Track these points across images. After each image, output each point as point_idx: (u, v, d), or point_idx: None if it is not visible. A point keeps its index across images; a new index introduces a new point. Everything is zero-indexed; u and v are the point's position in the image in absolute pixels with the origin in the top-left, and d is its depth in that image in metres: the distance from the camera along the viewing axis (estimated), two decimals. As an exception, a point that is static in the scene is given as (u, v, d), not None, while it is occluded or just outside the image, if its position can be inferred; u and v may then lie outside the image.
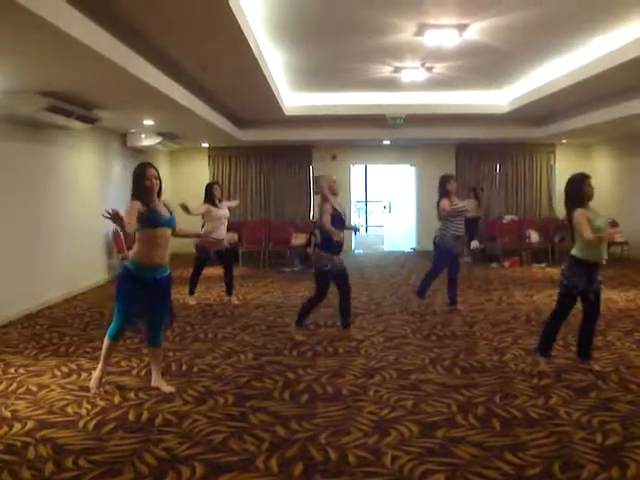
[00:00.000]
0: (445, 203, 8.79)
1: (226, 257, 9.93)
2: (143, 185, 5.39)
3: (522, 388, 5.62)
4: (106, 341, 5.60)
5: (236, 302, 9.96)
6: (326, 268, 7.43)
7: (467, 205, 14.13)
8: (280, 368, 6.34)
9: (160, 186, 5.54)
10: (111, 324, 5.62)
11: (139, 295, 5.44)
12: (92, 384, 5.64)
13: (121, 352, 6.95)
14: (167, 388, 5.63)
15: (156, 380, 5.73)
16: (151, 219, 5.36)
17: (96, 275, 11.79)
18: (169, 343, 7.36)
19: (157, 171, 5.57)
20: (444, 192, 8.91)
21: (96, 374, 5.69)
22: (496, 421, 4.84)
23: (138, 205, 5.30)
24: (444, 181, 8.97)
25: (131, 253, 5.55)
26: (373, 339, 7.51)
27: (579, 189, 5.88)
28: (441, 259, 9.03)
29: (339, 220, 7.42)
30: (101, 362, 5.67)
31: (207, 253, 9.72)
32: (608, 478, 3.86)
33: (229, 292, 10.02)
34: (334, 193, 7.61)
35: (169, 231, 5.55)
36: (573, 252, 5.94)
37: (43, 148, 9.89)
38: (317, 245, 7.68)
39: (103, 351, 5.65)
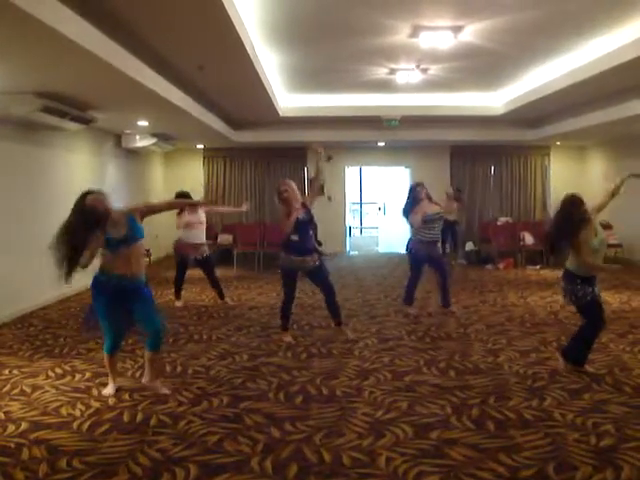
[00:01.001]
0: (416, 218, 8.74)
1: (205, 264, 9.82)
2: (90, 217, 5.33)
3: (516, 390, 5.64)
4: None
5: (231, 303, 9.95)
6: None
7: (446, 207, 14.19)
8: (275, 369, 6.34)
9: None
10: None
11: (111, 304, 5.49)
12: (109, 392, 5.64)
13: (115, 353, 6.95)
14: (163, 390, 5.64)
15: (148, 380, 5.73)
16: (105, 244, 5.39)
17: (91, 277, 11.70)
18: (163, 345, 7.33)
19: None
20: (415, 200, 8.85)
21: (109, 385, 5.71)
22: (490, 423, 4.85)
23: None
24: (412, 191, 8.97)
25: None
26: (367, 341, 7.51)
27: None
28: (415, 264, 9.05)
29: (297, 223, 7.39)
30: (109, 375, 5.75)
31: (184, 257, 9.70)
32: (602, 480, 3.87)
33: (221, 297, 10.00)
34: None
35: (133, 247, 5.45)
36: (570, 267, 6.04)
37: (37, 149, 9.87)
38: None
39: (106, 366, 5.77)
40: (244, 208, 10.53)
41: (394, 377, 6.07)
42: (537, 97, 11.21)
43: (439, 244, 9.19)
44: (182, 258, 9.73)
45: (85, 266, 5.43)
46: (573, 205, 5.87)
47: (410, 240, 8.98)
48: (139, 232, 5.48)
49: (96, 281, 5.61)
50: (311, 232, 7.51)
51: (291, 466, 4.11)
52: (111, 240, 5.35)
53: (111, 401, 5.41)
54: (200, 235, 9.70)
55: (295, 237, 7.33)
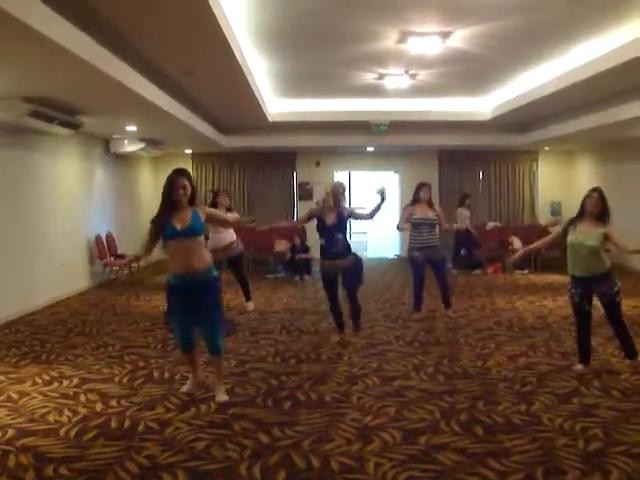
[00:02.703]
0: (403, 216, 8.93)
1: (236, 261, 9.64)
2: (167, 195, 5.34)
3: (505, 394, 5.64)
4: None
5: (250, 309, 9.89)
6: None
7: (460, 216, 14.21)
8: (263, 375, 6.32)
9: (192, 193, 5.39)
10: None
11: (180, 304, 5.41)
12: (188, 389, 5.74)
13: (103, 359, 6.93)
14: (221, 397, 5.55)
15: (215, 388, 5.67)
16: (164, 231, 5.32)
17: (78, 282, 11.71)
18: (151, 350, 7.33)
19: (188, 178, 5.42)
20: (413, 200, 9.00)
21: (188, 383, 5.82)
22: (479, 427, 4.85)
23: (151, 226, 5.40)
24: (417, 189, 9.04)
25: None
26: (356, 345, 7.51)
27: (581, 203, 6.06)
28: (413, 269, 9.06)
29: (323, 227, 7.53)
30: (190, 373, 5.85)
31: (217, 263, 9.54)
32: (590, 484, 3.88)
33: (247, 298, 10.00)
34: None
35: (188, 241, 5.32)
36: None
37: (25, 154, 9.83)
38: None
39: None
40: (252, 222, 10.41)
41: (383, 382, 6.06)
42: (525, 102, 11.26)
43: (438, 248, 9.09)
44: (216, 264, 9.60)
45: (147, 251, 5.55)
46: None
47: (409, 245, 9.02)
48: (200, 226, 5.42)
49: (167, 283, 5.52)
50: (339, 236, 7.49)
51: (279, 472, 4.09)
52: (171, 230, 5.28)
53: (98, 407, 5.38)
54: (230, 234, 9.33)
55: (322, 241, 7.53)
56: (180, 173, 5.39)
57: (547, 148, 16.79)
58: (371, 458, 4.30)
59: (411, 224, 8.83)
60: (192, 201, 5.39)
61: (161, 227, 5.31)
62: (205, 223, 5.53)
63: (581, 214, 6.03)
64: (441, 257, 9.21)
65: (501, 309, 9.78)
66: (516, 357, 6.91)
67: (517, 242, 14.84)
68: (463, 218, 14.37)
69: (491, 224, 16.36)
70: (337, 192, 7.55)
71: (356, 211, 8.02)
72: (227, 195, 9.86)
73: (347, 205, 7.85)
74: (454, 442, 4.57)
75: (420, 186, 9.03)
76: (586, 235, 5.93)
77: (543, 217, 17.03)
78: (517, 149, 16.62)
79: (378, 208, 7.81)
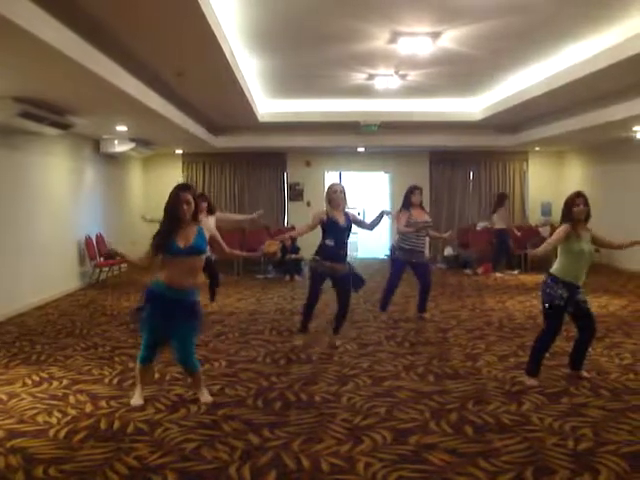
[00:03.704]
0: (401, 219, 8.77)
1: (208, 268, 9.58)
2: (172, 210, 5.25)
3: (495, 394, 5.65)
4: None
5: (210, 309, 9.84)
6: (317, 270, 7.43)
7: (497, 216, 14.24)
8: (253, 376, 6.31)
9: (195, 208, 5.28)
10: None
11: (160, 313, 5.26)
12: (137, 402, 5.48)
13: (92, 360, 6.90)
14: (207, 398, 5.51)
15: (199, 393, 5.59)
16: (166, 247, 5.21)
17: (68, 283, 11.67)
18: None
19: (192, 193, 5.32)
20: (406, 204, 8.88)
21: (136, 395, 5.55)
22: (469, 427, 4.86)
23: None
24: (409, 192, 8.92)
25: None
26: (347, 346, 7.51)
27: (567, 211, 5.88)
28: (391, 269, 9.07)
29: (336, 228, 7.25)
30: (137, 385, 5.64)
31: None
32: (580, 483, 3.89)
33: (212, 298, 9.93)
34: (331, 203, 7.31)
35: (188, 260, 5.21)
36: (552, 269, 5.99)
37: (15, 154, 9.79)
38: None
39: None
40: (255, 216, 10.30)
41: (373, 382, 6.07)
42: (515, 103, 11.29)
43: (424, 252, 9.10)
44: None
45: (144, 264, 5.47)
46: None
47: (392, 246, 8.99)
48: (202, 245, 5.31)
49: (152, 289, 5.37)
50: (347, 241, 7.33)
51: (270, 473, 4.09)
52: (174, 247, 5.18)
53: (88, 408, 5.36)
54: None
55: (331, 242, 7.24)
56: (183, 188, 5.32)
57: (537, 149, 16.84)
58: (361, 458, 4.30)
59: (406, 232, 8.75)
60: (195, 217, 5.30)
61: (163, 244, 5.21)
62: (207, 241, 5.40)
63: (572, 220, 5.82)
64: (425, 262, 9.15)
65: (491, 309, 9.81)
66: (506, 357, 6.93)
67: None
68: (504, 219, 14.45)
69: (481, 224, 16.38)
70: (344, 190, 7.37)
71: (358, 218, 7.86)
72: (205, 198, 9.59)
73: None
74: (444, 442, 4.57)
75: (413, 189, 8.93)
76: (585, 241, 5.85)
77: (533, 217, 17.08)
78: (507, 150, 16.66)
79: (378, 221, 7.74)
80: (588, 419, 4.99)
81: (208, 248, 5.48)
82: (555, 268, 5.97)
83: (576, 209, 5.80)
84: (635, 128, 11.59)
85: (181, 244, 5.16)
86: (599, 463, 4.16)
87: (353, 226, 7.41)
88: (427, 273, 9.11)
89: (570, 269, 5.86)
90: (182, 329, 5.29)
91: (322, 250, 7.31)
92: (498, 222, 14.32)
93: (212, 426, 4.94)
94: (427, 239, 9.04)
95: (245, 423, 4.99)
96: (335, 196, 7.26)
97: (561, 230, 5.83)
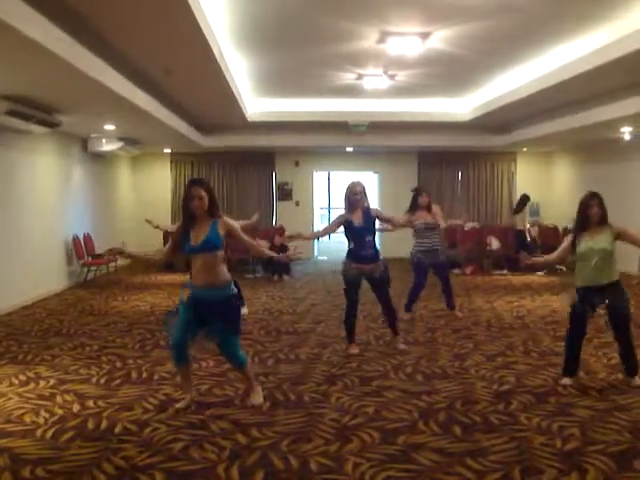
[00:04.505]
0: (402, 218, 8.59)
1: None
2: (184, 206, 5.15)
3: (483, 394, 5.66)
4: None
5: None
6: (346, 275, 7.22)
7: (520, 217, 14.35)
8: (241, 375, 6.28)
9: (210, 203, 5.12)
10: None
11: (189, 312, 5.16)
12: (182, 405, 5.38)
13: (80, 360, 6.87)
14: (256, 399, 5.43)
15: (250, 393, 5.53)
16: (182, 245, 5.15)
17: (56, 282, 11.61)
18: (129, 350, 7.29)
19: (205, 188, 5.16)
20: (412, 206, 8.90)
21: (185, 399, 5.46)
22: (457, 427, 4.86)
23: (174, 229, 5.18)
24: (416, 194, 8.94)
25: None
26: (335, 346, 7.51)
27: (582, 213, 5.75)
28: (415, 273, 9.06)
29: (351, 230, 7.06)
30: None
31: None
32: (567, 483, 3.90)
33: None
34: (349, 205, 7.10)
35: (206, 256, 5.08)
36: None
37: (1, 152, 9.73)
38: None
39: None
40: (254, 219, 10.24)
41: (361, 382, 6.06)
42: (503, 104, 11.34)
43: (440, 252, 9.07)
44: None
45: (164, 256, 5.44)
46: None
47: (411, 253, 9.03)
48: (214, 241, 5.12)
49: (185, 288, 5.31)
50: (369, 239, 7.01)
51: (258, 472, 4.08)
52: (187, 245, 5.11)
53: (75, 408, 5.33)
54: None
55: (351, 245, 7.08)
56: (196, 182, 5.20)
57: (525, 149, 16.90)
58: (349, 458, 4.29)
59: (415, 230, 8.81)
60: (213, 212, 5.14)
61: (180, 240, 5.15)
62: (224, 236, 5.18)
63: (584, 224, 5.71)
64: (443, 260, 9.17)
65: (479, 309, 9.83)
66: (494, 357, 6.94)
67: (495, 242, 14.96)
68: (526, 220, 14.58)
69: (469, 224, 16.41)
70: (364, 190, 7.09)
71: (383, 213, 7.56)
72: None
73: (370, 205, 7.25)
74: (432, 442, 4.57)
75: (419, 190, 9.04)
76: (595, 241, 5.66)
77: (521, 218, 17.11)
78: (496, 150, 16.72)
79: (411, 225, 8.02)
80: (576, 419, 5.00)
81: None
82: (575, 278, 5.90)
83: (590, 211, 5.66)
84: (623, 129, 11.65)
85: (193, 242, 5.07)
86: (586, 462, 4.17)
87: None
88: (443, 270, 9.21)
89: (582, 273, 5.77)
90: (219, 327, 5.16)
91: (348, 253, 7.14)
92: (520, 223, 14.45)
93: (200, 426, 4.92)
94: (438, 238, 9.00)
95: (233, 423, 4.98)
96: (353, 198, 7.02)
97: (565, 243, 5.91)
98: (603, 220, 5.70)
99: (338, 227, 7.20)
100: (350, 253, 7.09)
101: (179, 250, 5.22)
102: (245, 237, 5.42)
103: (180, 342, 5.20)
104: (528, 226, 14.90)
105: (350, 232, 7.05)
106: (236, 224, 5.40)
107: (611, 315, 5.81)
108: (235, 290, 5.29)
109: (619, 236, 5.70)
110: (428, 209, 8.92)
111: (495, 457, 4.28)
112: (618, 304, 5.72)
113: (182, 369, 5.39)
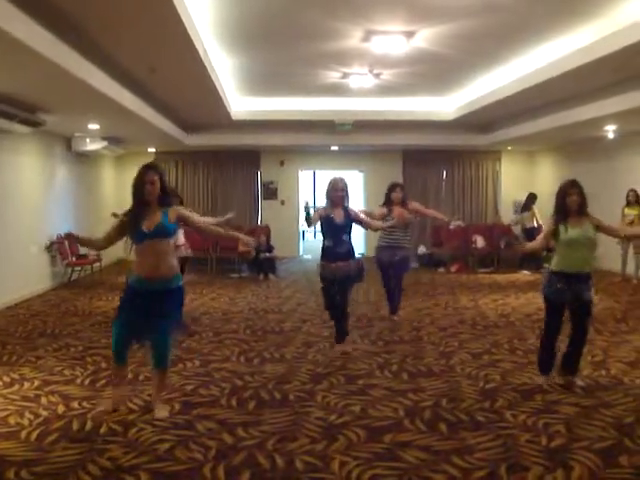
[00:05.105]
0: (374, 214, 8.41)
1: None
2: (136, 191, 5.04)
3: (468, 392, 5.68)
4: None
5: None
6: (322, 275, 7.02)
7: (528, 215, 14.47)
8: (227, 375, 6.28)
9: (162, 190, 5.06)
10: None
11: (135, 308, 5.07)
12: (106, 407, 5.28)
13: (64, 361, 6.83)
14: (161, 412, 5.15)
15: (154, 402, 5.32)
16: (132, 231, 5.04)
17: (39, 282, 11.53)
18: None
19: (158, 173, 5.07)
20: (387, 201, 8.67)
21: (107, 401, 5.38)
22: (443, 425, 4.87)
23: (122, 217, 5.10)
24: (388, 190, 8.73)
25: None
26: (320, 345, 7.50)
27: (560, 202, 5.72)
28: (379, 270, 8.86)
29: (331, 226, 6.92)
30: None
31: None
32: (553, 480, 3.92)
33: None
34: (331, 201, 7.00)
35: (154, 244, 4.99)
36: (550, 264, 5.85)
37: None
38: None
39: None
40: (229, 216, 10.12)
41: (347, 381, 6.07)
42: (488, 102, 11.36)
43: (405, 249, 8.80)
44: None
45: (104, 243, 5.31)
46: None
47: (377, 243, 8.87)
48: (168, 227, 5.06)
49: (127, 284, 5.21)
50: (345, 238, 6.89)
51: (244, 472, 4.07)
52: (140, 232, 4.99)
53: (60, 409, 5.29)
54: (179, 237, 8.99)
55: (327, 242, 6.92)
56: (149, 167, 5.09)
57: (510, 148, 16.95)
58: (336, 457, 4.29)
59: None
60: (164, 200, 5.09)
61: (129, 225, 5.04)
62: (176, 224, 5.18)
63: (564, 212, 5.69)
64: (402, 258, 8.71)
65: (464, 307, 9.86)
66: (479, 355, 6.97)
67: (480, 241, 15.01)
68: (534, 217, 14.67)
69: (454, 223, 16.44)
70: (346, 187, 7.00)
71: (362, 216, 7.26)
72: (176, 195, 9.40)
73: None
74: (418, 440, 4.59)
75: (393, 187, 8.75)
76: (583, 229, 5.65)
77: (506, 216, 17.18)
78: (480, 149, 16.77)
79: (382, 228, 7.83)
80: (561, 416, 5.03)
81: (183, 241, 5.27)
82: (552, 262, 5.84)
83: (569, 199, 5.65)
84: (606, 127, 11.71)
85: (145, 228, 4.97)
86: (572, 459, 4.19)
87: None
88: (400, 269, 8.79)
89: (562, 259, 5.72)
90: (159, 317, 5.06)
91: (323, 252, 6.97)
92: (528, 221, 14.54)
93: (186, 426, 4.90)
94: (402, 235, 8.66)
95: (219, 423, 4.97)
96: (335, 195, 6.94)
97: (546, 229, 5.90)
98: (582, 210, 5.69)
99: (317, 220, 6.96)
100: (326, 251, 6.93)
101: (121, 237, 5.14)
102: (202, 223, 5.46)
103: (124, 346, 5.22)
104: (536, 224, 14.88)
105: (329, 228, 6.91)
106: (188, 212, 5.36)
107: (578, 305, 5.71)
108: (182, 282, 5.24)
109: (597, 227, 5.72)
110: (403, 204, 8.62)
111: (481, 454, 4.29)
112: (587, 292, 5.70)
113: (121, 368, 5.36)
